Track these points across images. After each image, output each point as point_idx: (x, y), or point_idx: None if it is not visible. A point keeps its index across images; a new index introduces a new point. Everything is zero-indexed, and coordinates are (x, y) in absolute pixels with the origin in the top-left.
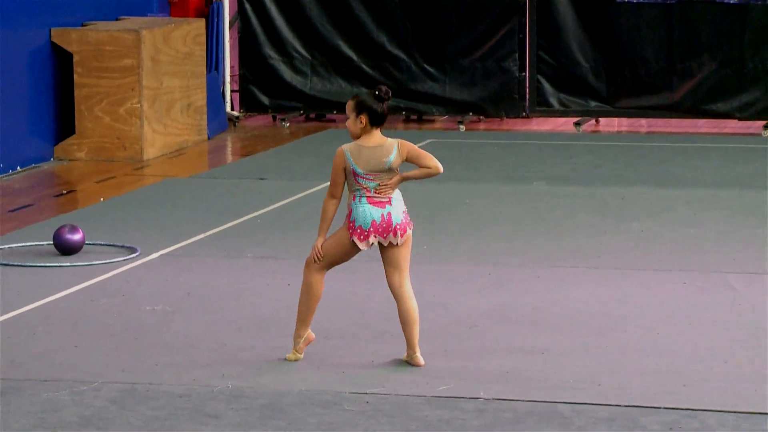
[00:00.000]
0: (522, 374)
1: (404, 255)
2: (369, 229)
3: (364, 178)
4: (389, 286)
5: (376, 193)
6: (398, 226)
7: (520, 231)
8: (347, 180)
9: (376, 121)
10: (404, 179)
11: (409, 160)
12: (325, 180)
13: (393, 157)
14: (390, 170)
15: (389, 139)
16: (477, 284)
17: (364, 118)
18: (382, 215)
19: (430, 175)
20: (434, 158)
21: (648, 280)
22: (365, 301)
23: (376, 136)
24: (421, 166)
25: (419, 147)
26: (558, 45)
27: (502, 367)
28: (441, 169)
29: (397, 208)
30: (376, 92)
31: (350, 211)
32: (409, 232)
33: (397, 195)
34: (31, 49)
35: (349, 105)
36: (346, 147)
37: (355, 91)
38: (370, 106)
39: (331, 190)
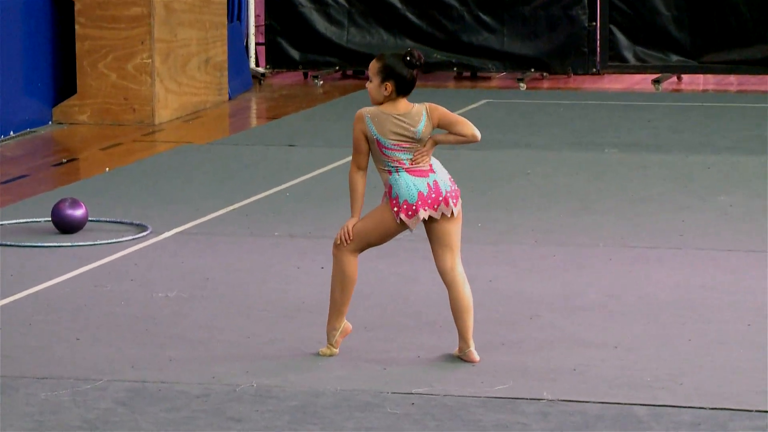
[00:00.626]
0: (591, 371)
1: (456, 232)
2: (416, 202)
3: (391, 149)
4: (439, 270)
5: (412, 163)
6: (449, 194)
7: (589, 206)
8: (372, 151)
9: (404, 89)
10: (437, 143)
11: (440, 127)
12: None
13: (422, 126)
14: (420, 140)
15: (416, 105)
16: (539, 267)
17: (390, 86)
18: (428, 184)
19: (466, 143)
20: (470, 124)
21: (737, 262)
22: (409, 286)
23: (402, 103)
24: (455, 134)
25: (472, 108)
26: None
27: (568, 364)
28: (478, 136)
29: (441, 174)
30: (407, 57)
31: (390, 187)
32: (460, 202)
33: (435, 161)
34: None
35: (374, 67)
36: (367, 111)
37: (396, 47)
38: (399, 72)
39: (356, 160)
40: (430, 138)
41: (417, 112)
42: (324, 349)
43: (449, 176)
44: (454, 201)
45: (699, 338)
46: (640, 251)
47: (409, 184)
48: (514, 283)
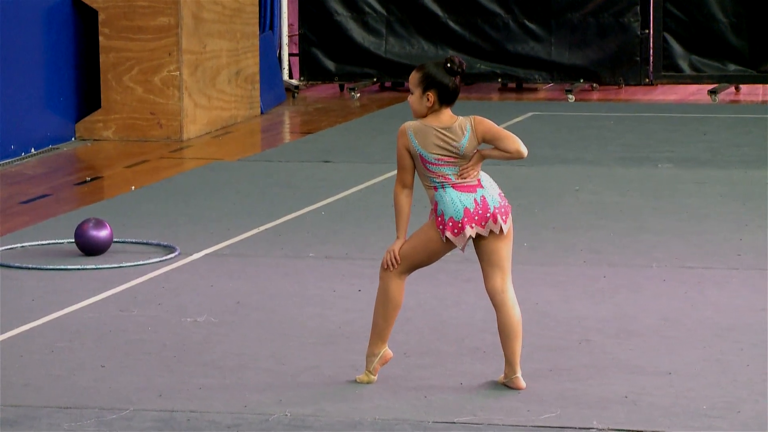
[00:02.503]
0: (644, 399)
1: (506, 250)
2: (462, 219)
3: (435, 164)
4: (488, 291)
5: (458, 178)
6: (497, 210)
7: (642, 224)
8: (416, 167)
9: (447, 98)
10: (484, 157)
11: (485, 141)
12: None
13: (466, 140)
14: (464, 156)
15: (460, 118)
16: (590, 289)
17: (432, 95)
18: (475, 200)
19: (511, 158)
20: (516, 139)
21: None
22: (451, 310)
23: (446, 116)
24: (500, 150)
25: (517, 122)
26: None
27: (619, 391)
28: (525, 152)
29: (490, 189)
30: (448, 64)
31: (435, 204)
32: (510, 219)
33: (484, 175)
34: (48, 4)
35: (414, 78)
36: (409, 125)
37: (437, 57)
38: (440, 80)
39: (400, 177)
40: (477, 152)
41: (461, 126)
42: (362, 375)
43: (499, 191)
44: (504, 217)
45: (758, 364)
46: (696, 272)
47: (455, 200)
48: (563, 306)
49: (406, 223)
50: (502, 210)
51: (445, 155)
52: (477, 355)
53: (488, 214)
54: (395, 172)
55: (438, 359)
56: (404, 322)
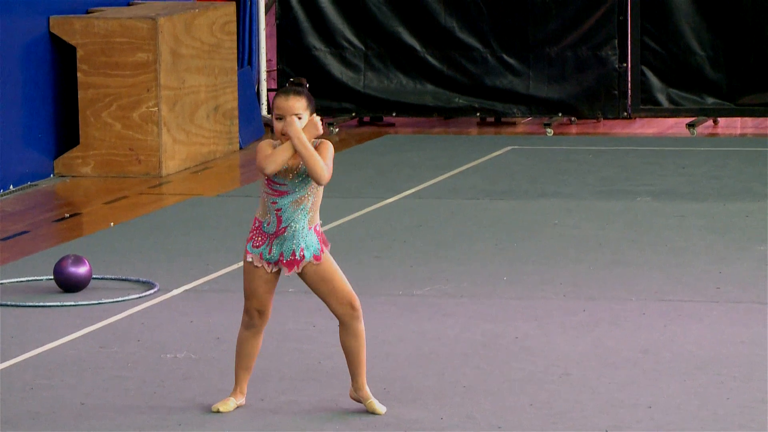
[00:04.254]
0: None
1: None
2: None
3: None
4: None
5: None
6: None
7: (621, 258)
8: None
9: None
10: None
11: None
12: (384, 196)
13: None
14: None
15: None
16: (569, 323)
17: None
18: None
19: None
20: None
21: None
22: (432, 343)
23: None
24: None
25: (496, 156)
26: (667, 28)
27: (600, 424)
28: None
29: None
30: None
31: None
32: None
33: None
34: (26, 41)
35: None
36: None
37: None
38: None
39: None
40: None
41: None
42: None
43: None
44: None
45: (738, 397)
46: (676, 305)
47: None
48: (543, 340)
49: None
50: None
51: None
52: (457, 390)
53: None
54: (377, 205)
55: (418, 394)
56: (383, 357)
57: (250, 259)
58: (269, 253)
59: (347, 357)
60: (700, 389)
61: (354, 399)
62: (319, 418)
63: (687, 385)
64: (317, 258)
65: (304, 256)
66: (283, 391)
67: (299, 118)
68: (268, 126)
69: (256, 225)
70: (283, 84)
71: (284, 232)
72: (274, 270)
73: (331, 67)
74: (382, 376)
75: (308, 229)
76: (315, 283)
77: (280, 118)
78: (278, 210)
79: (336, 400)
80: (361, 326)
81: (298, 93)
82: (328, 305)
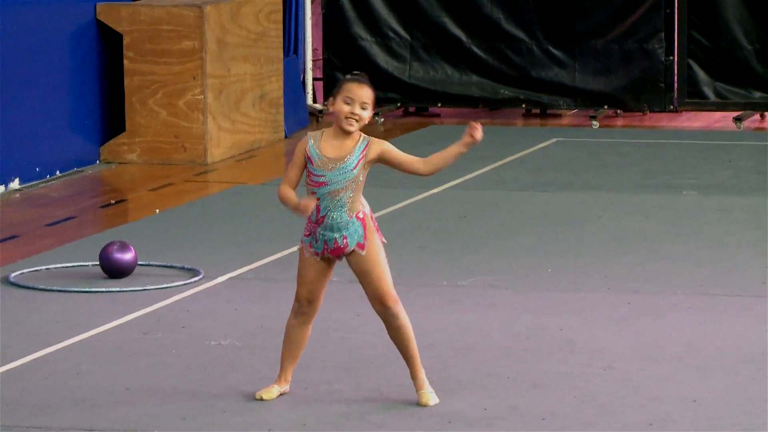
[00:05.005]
0: (668, 426)
1: None
2: None
3: None
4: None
5: None
6: None
7: (665, 252)
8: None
9: None
10: None
11: None
12: (429, 187)
13: None
14: None
15: None
16: (613, 316)
17: None
18: None
19: None
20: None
21: None
22: (475, 336)
23: None
24: None
25: (541, 148)
26: (714, 22)
27: (643, 418)
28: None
29: None
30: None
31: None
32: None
33: None
34: (72, 29)
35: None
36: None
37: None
38: None
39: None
40: None
41: None
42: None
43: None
44: None
45: None
46: (720, 299)
47: None
48: (586, 333)
49: None
50: None
51: None
52: (501, 382)
53: None
54: (422, 195)
55: (462, 386)
56: (427, 348)
57: (301, 248)
58: (315, 243)
59: (398, 349)
60: (744, 384)
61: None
62: (361, 407)
63: (731, 380)
64: (361, 246)
65: (347, 244)
66: (326, 379)
67: (364, 109)
68: (314, 115)
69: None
70: (330, 74)
71: (323, 221)
72: (322, 259)
73: (377, 57)
74: (425, 367)
75: (349, 218)
76: (356, 274)
77: (348, 102)
78: (317, 199)
79: (379, 389)
80: (400, 321)
81: (369, 84)
82: (367, 296)
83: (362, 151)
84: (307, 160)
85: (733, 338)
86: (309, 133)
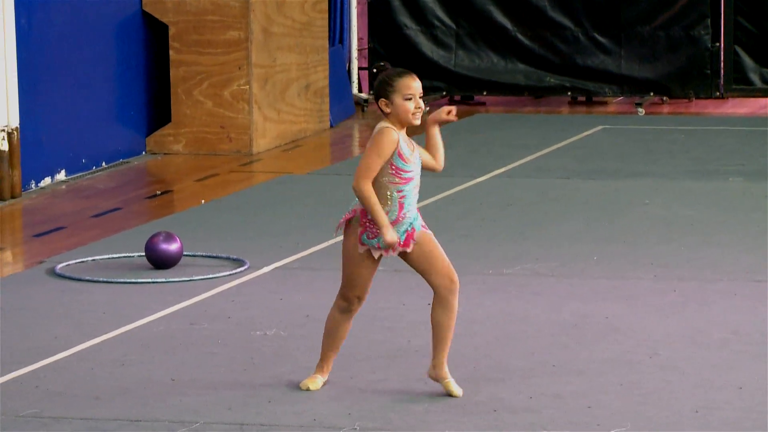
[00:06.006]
0: (714, 414)
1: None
2: None
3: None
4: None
5: None
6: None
7: (712, 238)
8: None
9: None
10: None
11: None
12: (475, 175)
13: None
14: None
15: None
16: (659, 303)
17: None
18: None
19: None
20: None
21: None
22: (520, 323)
23: None
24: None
25: (587, 135)
26: (761, 8)
27: (689, 405)
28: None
29: None
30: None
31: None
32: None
33: None
34: (119, 20)
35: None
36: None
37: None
38: None
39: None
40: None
41: None
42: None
43: (354, 209)
44: (340, 223)
45: None
46: (766, 286)
47: None
48: (633, 320)
49: None
50: (345, 216)
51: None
52: (546, 369)
53: None
54: (468, 184)
55: (507, 374)
56: (472, 335)
57: (362, 251)
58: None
59: (434, 332)
60: None
61: (432, 378)
62: (406, 396)
63: None
64: (424, 227)
65: (414, 229)
66: (372, 369)
67: (421, 99)
68: (359, 105)
69: (369, 218)
70: (376, 62)
71: (404, 218)
72: (378, 257)
73: (422, 46)
74: (470, 355)
75: (416, 210)
76: (418, 256)
77: (409, 98)
78: (402, 197)
79: (424, 378)
80: (456, 302)
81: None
82: (427, 277)
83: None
84: (398, 157)
85: None
86: (388, 127)
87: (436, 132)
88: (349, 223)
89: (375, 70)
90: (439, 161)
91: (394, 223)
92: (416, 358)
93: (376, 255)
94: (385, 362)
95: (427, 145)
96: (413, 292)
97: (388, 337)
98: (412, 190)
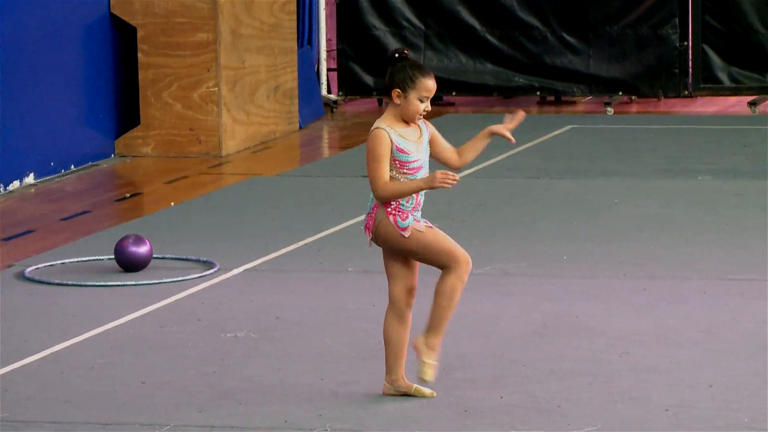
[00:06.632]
0: (686, 411)
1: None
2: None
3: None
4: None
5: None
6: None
7: (681, 236)
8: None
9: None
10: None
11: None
12: None
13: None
14: None
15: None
16: (630, 302)
17: None
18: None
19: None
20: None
21: None
22: (492, 324)
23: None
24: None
25: (556, 135)
26: (728, 7)
27: (661, 402)
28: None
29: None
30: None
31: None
32: (374, 232)
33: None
34: (87, 22)
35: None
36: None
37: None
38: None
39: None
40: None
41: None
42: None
43: (375, 205)
44: (366, 231)
45: None
46: (738, 284)
47: None
48: (604, 319)
49: None
50: (367, 224)
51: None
52: (517, 369)
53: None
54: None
55: (478, 374)
56: (445, 335)
57: (410, 233)
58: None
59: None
60: (762, 369)
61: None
62: (377, 397)
63: (749, 365)
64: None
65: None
66: (342, 371)
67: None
68: (328, 106)
69: (393, 205)
70: (344, 64)
71: (421, 203)
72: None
73: (391, 47)
74: (442, 354)
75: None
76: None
77: (423, 100)
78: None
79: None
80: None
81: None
82: (436, 262)
83: (425, 128)
84: (398, 151)
85: (751, 323)
86: (376, 129)
87: (485, 143)
88: (374, 227)
89: (396, 55)
90: (463, 160)
91: (414, 209)
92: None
93: (421, 227)
94: (356, 363)
95: (468, 144)
96: (383, 292)
97: (358, 339)
98: (423, 176)
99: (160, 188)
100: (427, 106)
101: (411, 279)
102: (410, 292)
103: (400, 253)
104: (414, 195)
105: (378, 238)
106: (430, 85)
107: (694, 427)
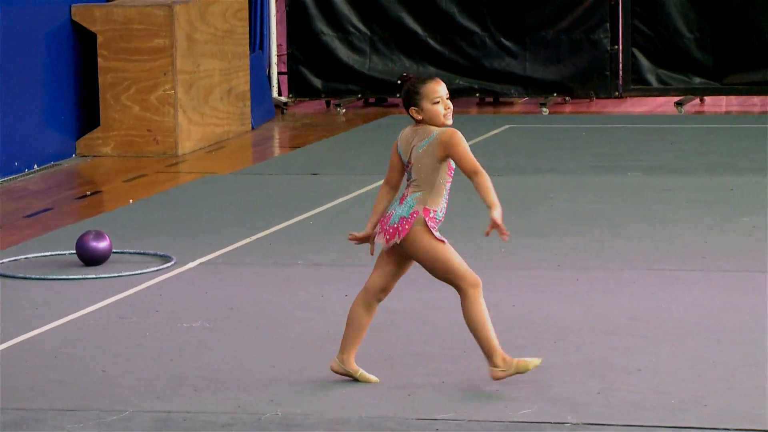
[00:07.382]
0: (615, 395)
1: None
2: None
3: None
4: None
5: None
6: (387, 228)
7: (613, 230)
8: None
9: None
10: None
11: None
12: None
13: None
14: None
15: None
16: (563, 292)
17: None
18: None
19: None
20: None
21: (762, 284)
22: (434, 313)
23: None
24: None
25: (494, 134)
26: (656, 12)
27: (592, 387)
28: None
29: (403, 207)
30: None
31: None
32: (400, 239)
33: (415, 193)
34: (49, 29)
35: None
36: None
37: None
38: None
39: None
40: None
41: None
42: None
43: (415, 212)
44: (387, 237)
45: (724, 361)
46: (665, 274)
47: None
48: (538, 308)
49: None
50: (390, 230)
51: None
52: (457, 354)
53: (383, 228)
54: (381, 182)
55: (421, 359)
56: (389, 325)
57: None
58: None
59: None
60: (687, 353)
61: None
62: (327, 383)
63: (675, 350)
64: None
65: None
66: (294, 359)
67: (448, 98)
68: (279, 107)
69: (431, 215)
70: (294, 68)
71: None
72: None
73: (338, 51)
74: (386, 342)
75: None
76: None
77: (437, 102)
78: (448, 192)
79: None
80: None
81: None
82: (445, 277)
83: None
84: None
85: (677, 310)
86: (403, 139)
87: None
88: (408, 232)
89: (399, 81)
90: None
91: (440, 222)
92: (335, 346)
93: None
94: (306, 352)
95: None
96: (331, 284)
97: (308, 328)
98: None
99: (119, 186)
100: (445, 104)
101: (392, 282)
102: (385, 291)
103: (410, 260)
104: (445, 205)
105: (406, 242)
106: (434, 87)
107: (624, 409)
